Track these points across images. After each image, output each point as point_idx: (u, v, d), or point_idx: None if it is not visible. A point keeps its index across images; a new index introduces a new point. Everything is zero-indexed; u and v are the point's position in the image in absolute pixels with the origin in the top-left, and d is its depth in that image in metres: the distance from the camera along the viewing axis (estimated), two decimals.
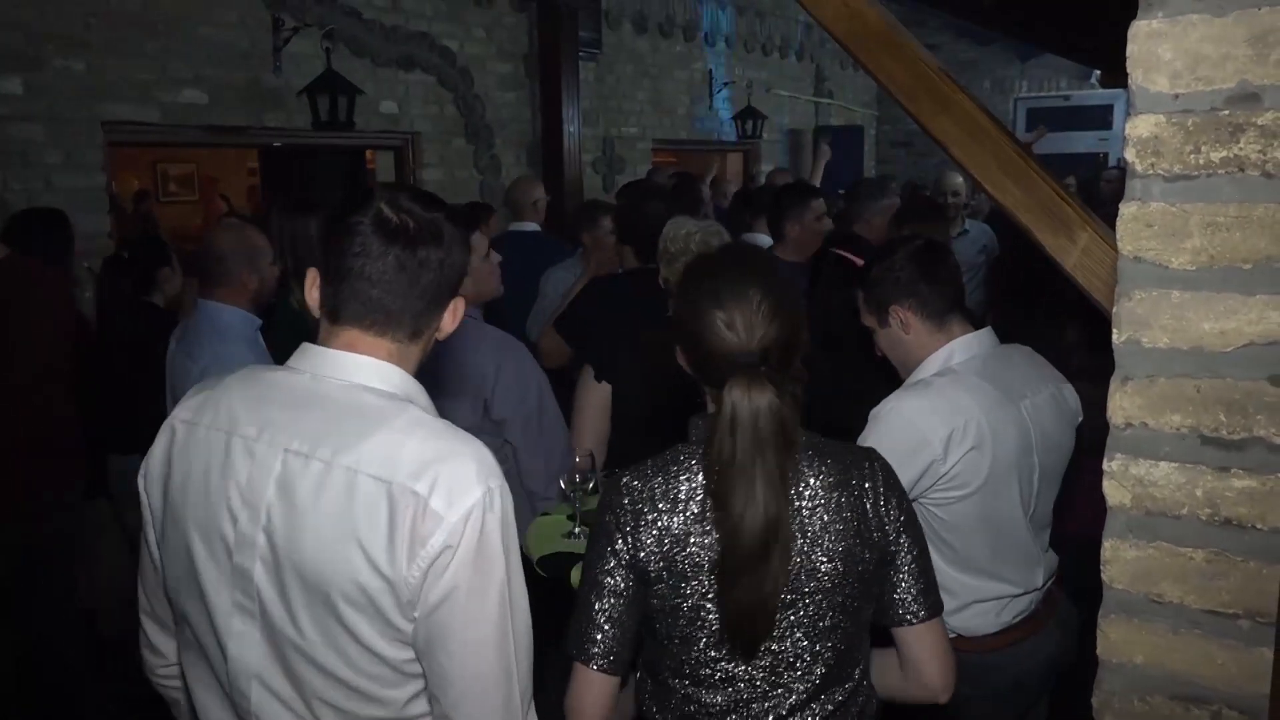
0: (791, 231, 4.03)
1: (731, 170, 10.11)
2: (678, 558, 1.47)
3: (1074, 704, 1.63)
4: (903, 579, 1.57)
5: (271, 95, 5.73)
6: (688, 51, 9.05)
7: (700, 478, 1.49)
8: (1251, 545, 1.06)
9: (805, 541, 1.48)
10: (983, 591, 2.05)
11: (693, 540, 1.47)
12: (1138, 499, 1.12)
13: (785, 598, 1.47)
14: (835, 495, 1.51)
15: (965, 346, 2.09)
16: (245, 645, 1.34)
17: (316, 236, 2.95)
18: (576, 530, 2.50)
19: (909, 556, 1.57)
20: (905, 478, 1.96)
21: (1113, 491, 1.14)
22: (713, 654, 1.51)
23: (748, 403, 1.41)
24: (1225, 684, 1.10)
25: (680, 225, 2.87)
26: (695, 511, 1.48)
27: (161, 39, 5.20)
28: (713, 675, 1.52)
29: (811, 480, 1.50)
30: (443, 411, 2.26)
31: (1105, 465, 1.14)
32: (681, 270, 1.65)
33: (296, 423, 1.32)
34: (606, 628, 1.50)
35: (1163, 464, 1.10)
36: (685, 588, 1.48)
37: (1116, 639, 1.16)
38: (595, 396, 2.80)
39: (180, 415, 1.42)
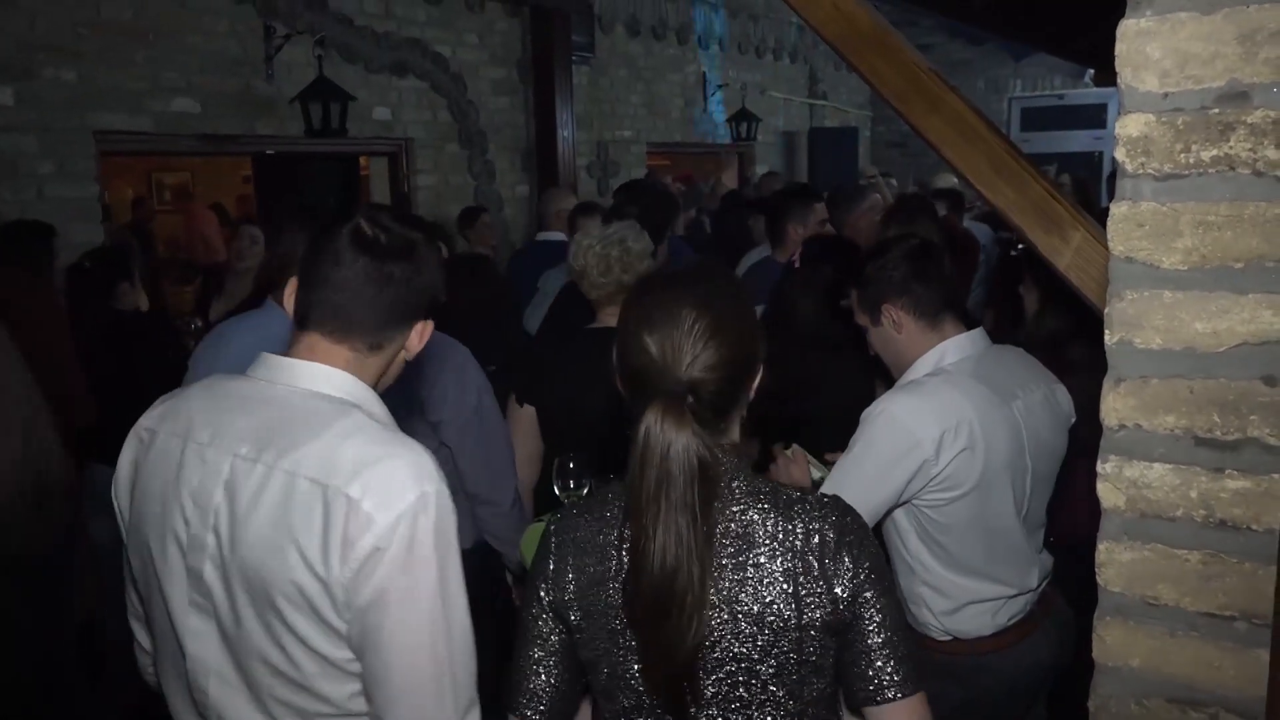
0: (795, 235, 4.04)
1: (726, 173, 10.12)
2: (596, 608, 1.34)
3: (1071, 706, 1.62)
4: (867, 650, 1.33)
5: (264, 103, 5.73)
6: (681, 55, 9.06)
7: (620, 515, 1.35)
8: (1247, 547, 1.06)
9: (724, 599, 1.30)
10: (977, 593, 2.04)
11: (610, 589, 1.33)
12: (1132, 501, 1.11)
13: (708, 660, 1.30)
14: (768, 550, 1.30)
15: (958, 347, 2.09)
16: (202, 642, 1.39)
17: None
18: None
19: (873, 624, 1.32)
20: (897, 479, 1.95)
21: (1107, 494, 1.13)
22: (636, 717, 1.36)
23: (660, 433, 1.25)
24: (1222, 686, 1.09)
25: (580, 240, 2.83)
26: (614, 558, 1.33)
27: (153, 48, 5.20)
28: None
29: (744, 531, 1.31)
30: None
31: (1099, 467, 1.13)
32: (633, 284, 1.50)
33: (246, 428, 1.36)
34: (537, 676, 1.39)
35: (1157, 465, 1.10)
36: (604, 641, 1.34)
37: (1113, 642, 1.16)
38: (521, 419, 2.77)
39: (144, 424, 1.47)
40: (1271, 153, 0.99)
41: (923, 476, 1.95)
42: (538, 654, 1.39)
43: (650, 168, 8.85)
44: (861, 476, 1.97)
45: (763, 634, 1.30)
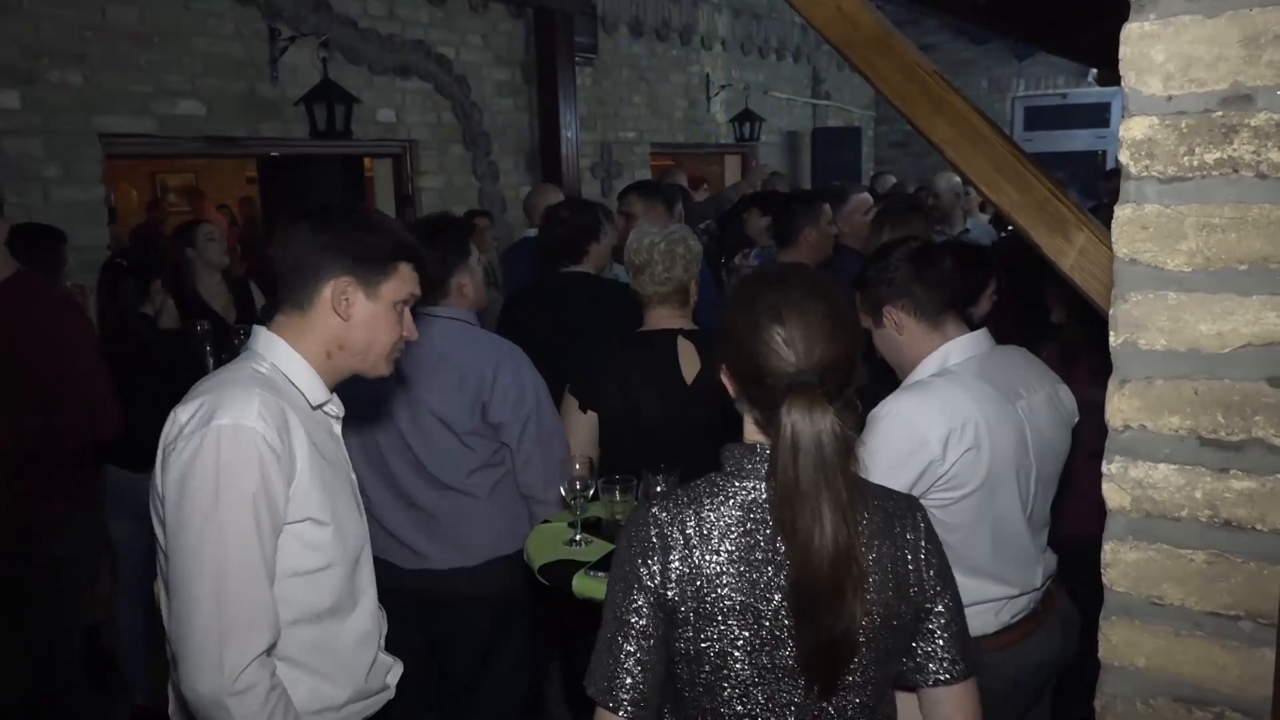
0: (809, 237, 4.08)
1: (730, 173, 10.12)
2: (707, 599, 1.37)
3: (1077, 705, 1.63)
4: (938, 636, 1.46)
5: (268, 105, 5.74)
6: (684, 55, 9.06)
7: (736, 512, 1.40)
8: (1252, 546, 1.06)
9: None
10: (982, 592, 2.05)
11: (725, 581, 1.37)
12: (1137, 501, 1.12)
13: None
14: (878, 544, 1.41)
15: (961, 348, 2.09)
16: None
17: None
18: (578, 538, 2.49)
19: (945, 613, 1.47)
20: (904, 478, 1.96)
21: (1112, 494, 1.14)
22: (738, 706, 1.40)
23: (809, 424, 1.31)
24: (1228, 686, 1.09)
25: (644, 234, 2.85)
26: (729, 549, 1.38)
27: (157, 51, 5.22)
28: None
29: (863, 519, 1.39)
30: (441, 412, 2.44)
31: (1105, 468, 1.14)
32: (737, 284, 1.58)
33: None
34: (635, 669, 1.39)
35: (1162, 466, 1.10)
36: (713, 632, 1.38)
37: (1118, 641, 1.16)
38: (581, 426, 2.79)
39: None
40: (1275, 155, 1.00)
41: (929, 476, 1.96)
42: (636, 648, 1.40)
43: (654, 168, 8.85)
44: (868, 476, 1.98)
45: (877, 618, 1.39)
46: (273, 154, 6.57)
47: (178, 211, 11.10)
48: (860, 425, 1.47)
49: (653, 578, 1.39)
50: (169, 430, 1.58)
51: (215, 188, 11.21)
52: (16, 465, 2.85)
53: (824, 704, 1.40)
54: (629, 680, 1.39)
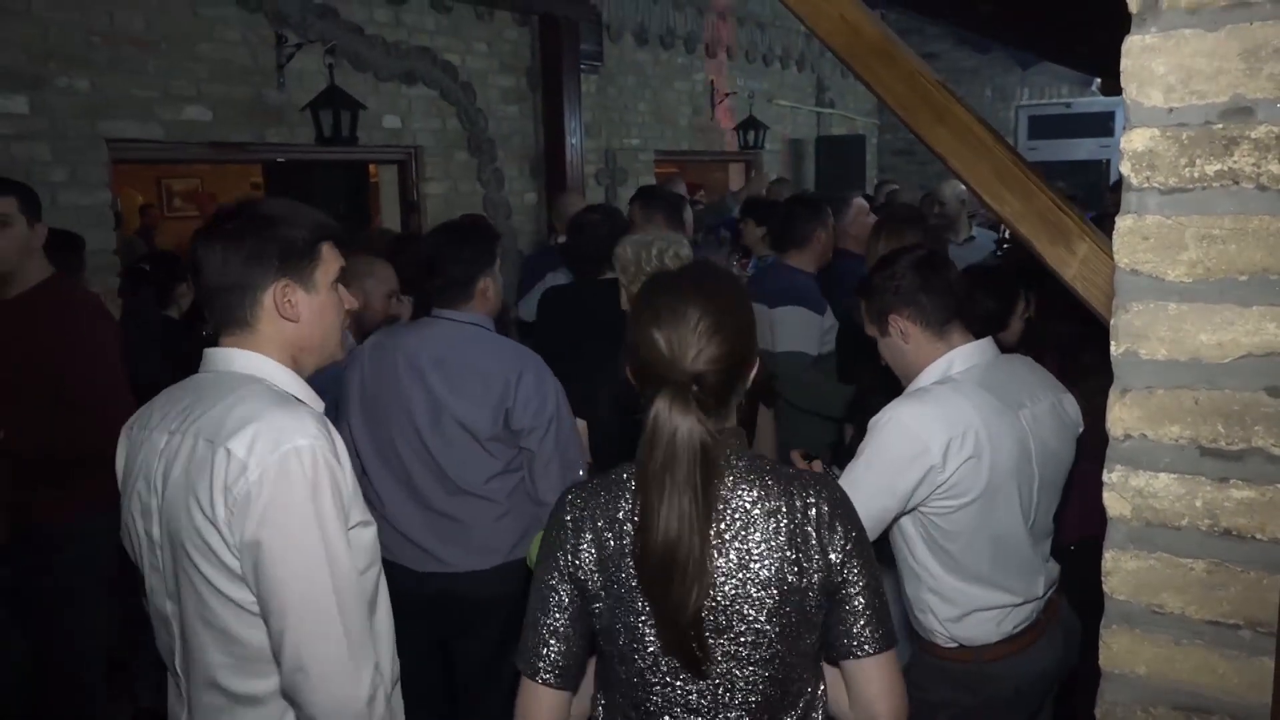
0: (820, 239, 4.11)
1: (734, 181, 10.13)
2: (614, 577, 1.47)
3: (1078, 713, 1.63)
4: (851, 611, 1.50)
5: (274, 111, 5.76)
6: (689, 63, 9.08)
7: (636, 493, 1.47)
8: (1252, 555, 1.07)
9: (733, 567, 1.44)
10: (983, 600, 2.05)
11: (627, 559, 1.45)
12: (1138, 510, 1.12)
13: (719, 621, 1.44)
14: (771, 521, 1.46)
15: (965, 356, 2.10)
16: (158, 597, 1.64)
17: None
18: None
19: (857, 587, 1.50)
20: (904, 485, 1.97)
21: (1113, 503, 1.14)
22: (650, 677, 1.48)
23: (669, 420, 1.39)
24: (1227, 694, 1.10)
25: (638, 243, 2.85)
26: (631, 530, 1.45)
27: (164, 56, 5.23)
28: (651, 698, 1.49)
29: (748, 505, 1.46)
30: (464, 419, 2.42)
31: (1105, 477, 1.14)
32: (643, 283, 1.64)
33: (181, 409, 1.62)
34: (552, 641, 1.50)
35: (1162, 475, 1.10)
36: (621, 608, 1.47)
37: (1119, 650, 1.16)
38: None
39: (127, 424, 1.74)
40: (1275, 167, 1.00)
41: (929, 483, 1.97)
42: (555, 621, 1.50)
43: (659, 175, 8.86)
44: (869, 482, 1.99)
45: (770, 597, 1.45)
46: (279, 160, 6.59)
47: (179, 216, 11.15)
48: (741, 433, 1.55)
49: (567, 557, 1.50)
50: (225, 469, 1.48)
51: (220, 193, 11.24)
52: (39, 473, 2.86)
53: (729, 675, 1.47)
54: (548, 652, 1.50)
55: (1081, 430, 2.19)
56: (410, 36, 6.51)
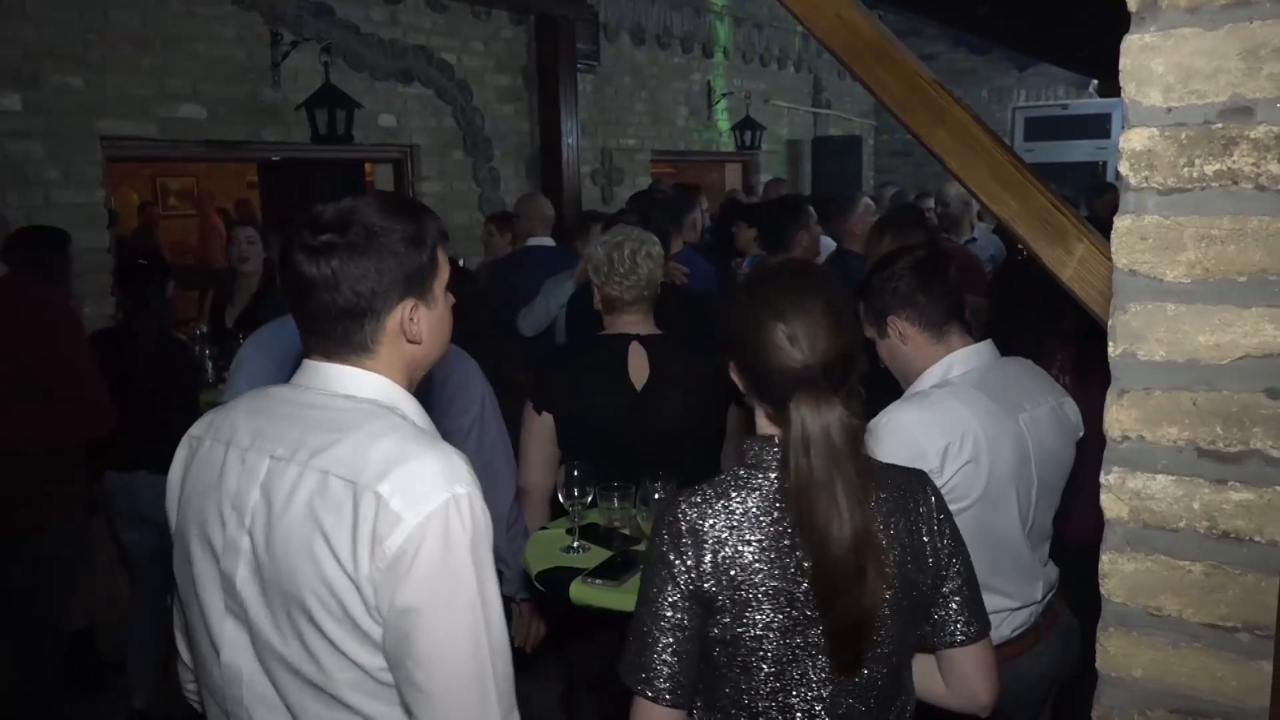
0: (802, 240, 4.15)
1: (730, 181, 10.13)
2: (743, 587, 1.42)
3: (1075, 717, 1.63)
4: (954, 601, 1.55)
5: (270, 109, 5.75)
6: (686, 63, 9.08)
7: (762, 502, 1.45)
8: (1249, 558, 1.06)
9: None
10: None
11: (758, 569, 1.42)
12: (1135, 512, 1.12)
13: None
14: (894, 520, 1.48)
15: (964, 359, 2.09)
16: (235, 650, 1.37)
17: None
18: (575, 545, 2.49)
19: (959, 579, 1.56)
20: None
21: (1110, 505, 1.14)
22: (774, 684, 1.46)
23: (818, 419, 1.37)
24: (1225, 697, 1.09)
25: (618, 244, 2.76)
26: (760, 538, 1.43)
27: (159, 55, 5.22)
28: (771, 706, 1.47)
29: (886, 493, 1.48)
30: None
31: (1103, 478, 1.14)
32: (740, 283, 1.63)
33: (284, 431, 1.37)
34: (670, 659, 1.45)
35: (1160, 477, 1.10)
36: (749, 618, 1.43)
37: (1116, 652, 1.16)
38: (538, 427, 2.76)
39: (193, 431, 1.49)
40: (1274, 167, 1.00)
41: None
42: (672, 639, 1.45)
43: (655, 175, 8.86)
44: None
45: (902, 588, 1.46)
46: (274, 158, 6.58)
47: (175, 215, 11.14)
48: (865, 411, 1.51)
49: (688, 571, 1.44)
50: (373, 517, 1.25)
51: (215, 192, 11.23)
52: (8, 466, 2.85)
53: (854, 675, 1.47)
54: (666, 670, 1.45)
55: (1082, 434, 2.18)
56: (406, 35, 6.51)
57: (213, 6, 5.44)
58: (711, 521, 1.44)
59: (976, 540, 2.01)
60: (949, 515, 1.56)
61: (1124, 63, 1.07)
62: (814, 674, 1.46)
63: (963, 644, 1.56)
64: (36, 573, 2.97)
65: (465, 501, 1.29)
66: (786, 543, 1.42)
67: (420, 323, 1.41)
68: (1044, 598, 2.12)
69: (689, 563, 1.43)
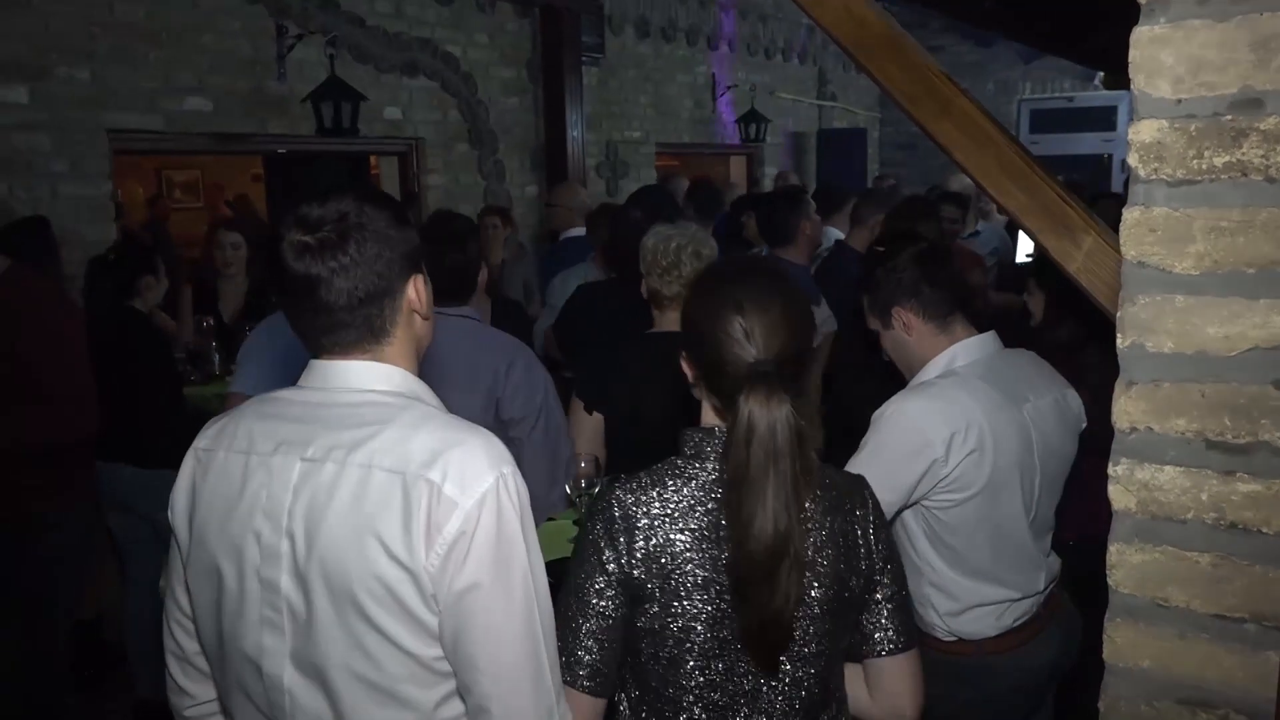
0: (805, 230, 4.14)
1: (735, 174, 10.12)
2: (673, 575, 1.42)
3: (1079, 707, 1.63)
4: (885, 609, 1.54)
5: (275, 102, 5.75)
6: (690, 55, 9.07)
7: (696, 491, 1.44)
8: (1257, 549, 1.06)
9: (806, 561, 1.43)
10: (983, 595, 2.05)
11: (690, 556, 1.42)
12: (1143, 503, 1.12)
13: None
14: (830, 518, 1.47)
15: (968, 349, 2.09)
16: (276, 661, 1.34)
17: None
18: None
19: (891, 589, 1.54)
20: (907, 479, 1.96)
21: (1118, 496, 1.14)
22: (700, 677, 1.45)
23: (766, 414, 1.36)
24: (1232, 688, 1.10)
25: (667, 237, 2.81)
26: (694, 527, 1.42)
27: (165, 47, 5.23)
28: (696, 699, 1.46)
29: (809, 504, 1.45)
30: (454, 409, 2.20)
31: (1110, 469, 1.14)
32: (692, 279, 1.63)
33: (309, 432, 1.34)
34: (593, 647, 1.44)
35: (1168, 468, 1.10)
36: (677, 607, 1.42)
37: (1123, 643, 1.16)
38: (587, 427, 2.78)
39: (200, 444, 1.44)
40: None
41: (932, 477, 1.96)
42: (595, 626, 1.44)
43: (660, 168, 8.86)
44: (871, 476, 1.97)
45: (829, 591, 1.46)
46: (279, 151, 6.59)
47: (183, 207, 11.14)
48: (814, 414, 1.51)
49: (618, 558, 1.43)
50: (427, 504, 1.25)
51: (220, 184, 11.24)
52: (11, 462, 2.85)
53: (780, 674, 1.45)
54: (588, 658, 1.44)
55: (1085, 425, 2.18)
56: (411, 28, 6.50)
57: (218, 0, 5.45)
58: (645, 509, 1.44)
59: (980, 530, 2.02)
60: (885, 524, 1.56)
61: (1133, 54, 1.07)
62: (739, 669, 1.45)
63: (890, 654, 1.55)
64: (42, 568, 2.98)
65: (511, 480, 1.31)
66: (722, 533, 1.42)
67: (425, 296, 1.43)
68: (1046, 588, 2.13)
69: (620, 550, 1.43)
